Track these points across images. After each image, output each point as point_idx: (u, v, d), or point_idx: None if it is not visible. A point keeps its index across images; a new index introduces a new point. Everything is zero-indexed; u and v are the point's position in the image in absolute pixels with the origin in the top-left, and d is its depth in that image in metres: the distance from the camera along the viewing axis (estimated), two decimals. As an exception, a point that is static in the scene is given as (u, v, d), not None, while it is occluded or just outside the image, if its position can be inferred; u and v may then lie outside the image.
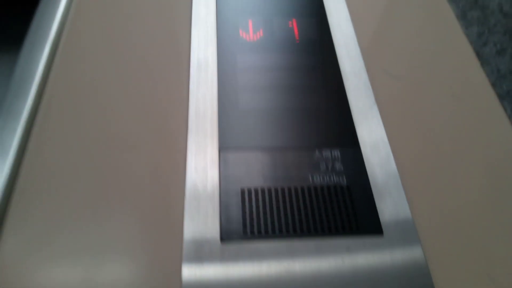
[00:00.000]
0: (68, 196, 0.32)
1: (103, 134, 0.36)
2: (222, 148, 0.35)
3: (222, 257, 0.29)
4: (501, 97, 0.41)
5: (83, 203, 0.32)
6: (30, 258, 0.29)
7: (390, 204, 0.33)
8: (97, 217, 0.31)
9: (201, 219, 0.31)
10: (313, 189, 0.33)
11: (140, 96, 0.38)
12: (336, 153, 0.36)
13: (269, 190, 0.33)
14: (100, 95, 0.38)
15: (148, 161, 0.34)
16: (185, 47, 0.42)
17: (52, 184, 0.33)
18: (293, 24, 0.45)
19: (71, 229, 0.31)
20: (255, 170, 0.34)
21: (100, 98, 0.38)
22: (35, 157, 0.34)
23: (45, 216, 0.31)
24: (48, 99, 0.37)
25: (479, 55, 0.45)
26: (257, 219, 0.32)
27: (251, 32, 0.43)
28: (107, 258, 0.30)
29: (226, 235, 0.31)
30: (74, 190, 0.32)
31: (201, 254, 0.29)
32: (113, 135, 0.36)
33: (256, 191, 0.33)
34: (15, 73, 0.39)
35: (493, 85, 0.42)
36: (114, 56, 0.41)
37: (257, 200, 0.33)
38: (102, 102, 0.37)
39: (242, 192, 0.33)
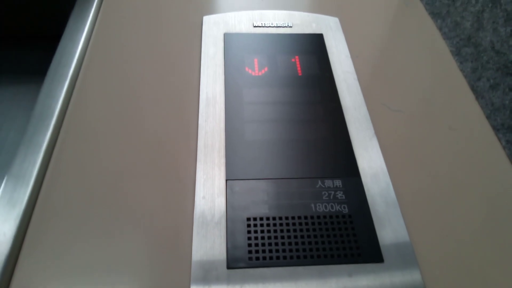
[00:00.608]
0: (84, 221, 0.34)
1: (118, 164, 0.38)
2: (229, 177, 0.37)
3: (229, 282, 0.31)
4: (496, 129, 0.43)
5: (98, 227, 0.34)
6: (45, 277, 0.31)
7: (390, 231, 0.34)
8: (111, 241, 0.33)
9: (208, 245, 0.33)
10: (316, 217, 0.35)
11: (153, 129, 0.41)
12: (338, 182, 0.37)
13: (274, 218, 0.35)
14: (114, 129, 0.41)
15: (160, 189, 0.36)
16: (195, 83, 0.45)
17: (68, 210, 0.35)
18: (296, 60, 0.48)
19: (85, 251, 0.32)
20: (260, 199, 0.36)
21: (115, 132, 0.40)
22: (52, 185, 0.36)
23: (61, 239, 0.33)
24: (65, 132, 0.40)
25: (473, 89, 0.47)
26: (262, 246, 0.33)
27: (256, 69, 0.46)
28: (119, 278, 0.31)
29: (232, 261, 0.32)
30: (89, 216, 0.34)
31: (208, 278, 0.31)
32: (127, 165, 0.38)
33: (261, 219, 0.35)
34: (36, 107, 0.42)
35: (488, 117, 0.44)
36: (128, 92, 0.44)
37: (262, 227, 0.34)
38: (117, 135, 0.40)
39: (248, 220, 0.34)
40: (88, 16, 0.52)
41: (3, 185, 0.36)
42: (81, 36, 0.49)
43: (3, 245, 0.32)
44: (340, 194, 0.37)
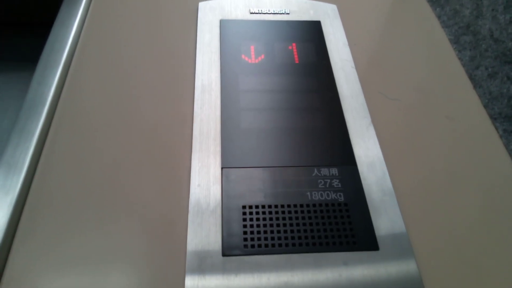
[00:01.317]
0: (77, 210, 0.34)
1: (112, 152, 0.37)
2: (225, 166, 0.37)
3: (224, 270, 0.31)
4: (493, 118, 0.42)
5: (92, 216, 0.33)
6: (39, 267, 0.30)
7: (385, 220, 0.34)
8: (105, 230, 0.33)
9: (204, 233, 0.32)
10: (312, 205, 0.35)
11: (148, 117, 0.40)
12: (334, 171, 0.37)
13: (269, 206, 0.34)
14: (108, 116, 0.40)
15: (154, 177, 0.36)
16: (190, 70, 0.44)
17: (61, 198, 0.34)
18: (293, 48, 0.47)
19: (79, 240, 0.32)
20: (256, 187, 0.36)
21: (108, 119, 0.40)
22: (46, 174, 0.36)
23: (55, 228, 0.32)
24: (58, 120, 0.40)
25: (471, 78, 0.47)
26: (258, 234, 0.33)
27: (253, 56, 0.46)
28: (114, 268, 0.31)
29: (227, 249, 0.32)
30: (83, 205, 0.34)
31: (203, 266, 0.31)
32: (121, 153, 0.37)
33: (256, 207, 0.34)
34: (28, 95, 0.41)
35: (485, 106, 0.43)
36: (122, 79, 0.43)
37: (257, 216, 0.34)
38: (111, 123, 0.39)
39: (243, 208, 0.34)
40: (81, 2, 0.51)
41: (-5, 172, 0.35)
42: (73, 23, 0.48)
43: (-4, 233, 0.31)
44: (336, 183, 0.36)
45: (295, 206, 0.35)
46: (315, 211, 0.34)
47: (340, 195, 0.35)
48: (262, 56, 0.46)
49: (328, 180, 0.36)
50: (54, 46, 0.46)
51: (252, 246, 0.32)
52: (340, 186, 0.36)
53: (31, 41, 0.66)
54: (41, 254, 0.31)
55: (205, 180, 0.36)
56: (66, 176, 0.36)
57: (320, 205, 0.35)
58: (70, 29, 0.47)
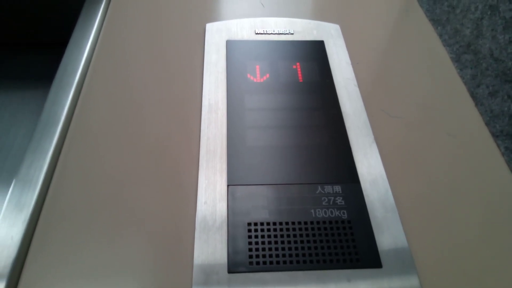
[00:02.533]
0: (88, 225, 0.35)
1: (121, 169, 0.39)
2: (230, 183, 0.38)
3: (229, 286, 0.31)
4: (495, 135, 0.43)
5: (102, 231, 0.34)
6: (51, 280, 0.32)
7: (388, 237, 0.35)
8: (114, 245, 0.34)
9: (210, 250, 0.33)
10: (316, 223, 0.36)
11: (156, 135, 0.42)
12: (338, 188, 0.38)
13: (274, 224, 0.35)
14: (119, 135, 0.41)
15: (162, 194, 0.37)
16: (197, 90, 0.46)
17: (73, 214, 0.35)
18: (297, 67, 0.49)
19: (90, 254, 0.33)
20: (261, 205, 0.36)
21: (119, 137, 0.41)
22: (59, 190, 0.37)
23: (67, 242, 0.34)
24: (71, 138, 0.41)
25: (473, 96, 0.47)
26: (262, 251, 0.34)
27: (258, 75, 0.47)
28: (123, 281, 0.32)
29: (233, 266, 0.33)
30: (94, 220, 0.35)
31: (209, 282, 0.31)
32: (131, 170, 0.39)
33: (261, 224, 0.35)
34: (43, 114, 0.43)
35: (487, 124, 0.44)
36: (132, 99, 0.45)
37: (262, 233, 0.35)
38: (121, 141, 0.41)
39: (249, 225, 0.35)
40: (94, 23, 0.53)
41: (11, 189, 0.37)
42: (87, 43, 0.50)
43: (10, 248, 0.33)
44: (339, 200, 0.37)
45: (299, 223, 0.35)
46: (319, 229, 0.35)
47: (343, 213, 0.36)
48: (267, 75, 0.48)
49: (332, 198, 0.37)
50: (67, 67, 0.47)
51: (257, 263, 0.33)
52: (343, 203, 0.37)
53: (46, 59, 0.68)
54: (53, 268, 0.32)
55: (212, 197, 0.37)
56: (78, 192, 0.37)
57: (324, 222, 0.36)
58: (83, 50, 0.49)
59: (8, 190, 0.37)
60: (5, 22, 0.72)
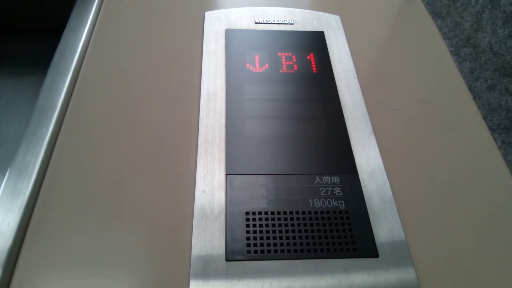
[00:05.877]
0: (85, 213, 0.35)
1: (119, 157, 0.38)
2: (229, 172, 0.38)
3: (227, 275, 0.31)
4: (492, 129, 0.43)
5: (99, 219, 0.34)
6: (47, 267, 0.31)
7: (385, 227, 0.35)
8: (112, 234, 0.34)
9: (208, 238, 0.33)
10: (313, 212, 0.36)
11: (154, 123, 0.41)
12: (336, 179, 0.38)
13: (272, 213, 0.35)
14: (116, 122, 0.41)
15: (160, 183, 0.37)
16: (196, 79, 0.46)
17: (70, 201, 0.35)
18: (297, 57, 0.48)
19: (86, 242, 0.33)
20: (259, 194, 0.36)
21: (116, 125, 0.41)
22: (55, 177, 0.37)
23: (63, 230, 0.33)
24: (68, 125, 0.41)
25: (471, 89, 0.48)
26: (260, 239, 0.34)
27: (257, 65, 0.47)
28: (120, 271, 0.32)
29: (231, 254, 0.33)
30: (90, 208, 0.35)
31: (207, 271, 0.31)
32: (128, 158, 0.38)
33: (259, 213, 0.35)
34: (39, 100, 0.42)
35: (485, 118, 0.44)
36: (129, 86, 0.44)
37: (260, 222, 0.35)
38: (118, 129, 0.41)
39: (247, 214, 0.35)
40: (91, 9, 0.52)
41: (6, 176, 0.36)
42: (83, 30, 0.49)
43: (7, 235, 0.32)
44: (337, 190, 0.37)
45: (297, 213, 0.35)
46: (316, 218, 0.35)
47: (341, 203, 0.36)
48: (267, 65, 0.47)
49: (330, 188, 0.37)
50: (64, 53, 0.47)
51: (255, 251, 0.33)
52: (341, 194, 0.37)
53: (42, 46, 0.67)
54: (50, 254, 0.32)
55: (210, 186, 0.37)
56: (75, 180, 0.37)
57: (322, 212, 0.36)
58: (80, 37, 0.49)
59: (4, 177, 0.36)
60: (0, 8, 0.71)
